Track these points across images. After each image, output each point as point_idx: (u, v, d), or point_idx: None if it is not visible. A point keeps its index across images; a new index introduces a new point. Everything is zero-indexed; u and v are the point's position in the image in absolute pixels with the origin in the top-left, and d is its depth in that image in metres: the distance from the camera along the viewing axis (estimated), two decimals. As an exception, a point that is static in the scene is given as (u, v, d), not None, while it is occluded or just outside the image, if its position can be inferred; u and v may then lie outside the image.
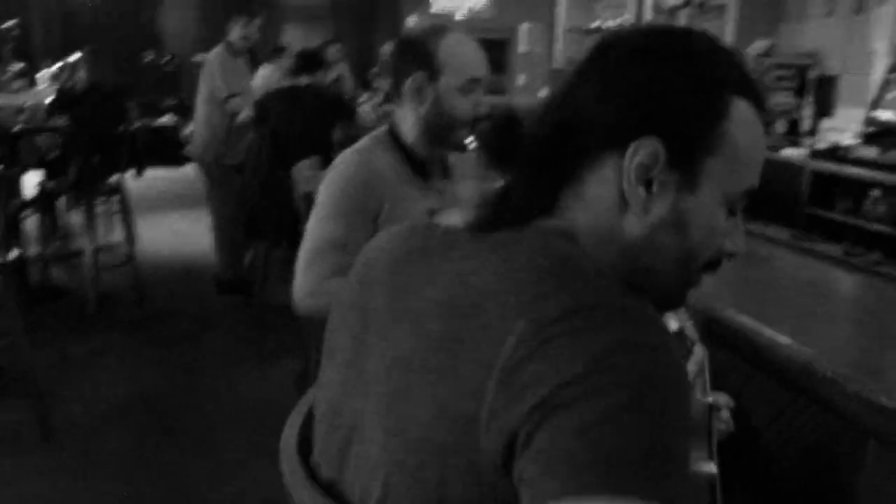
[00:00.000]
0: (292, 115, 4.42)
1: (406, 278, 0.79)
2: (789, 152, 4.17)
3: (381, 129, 1.86)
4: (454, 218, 0.83)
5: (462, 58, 1.72)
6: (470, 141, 1.77)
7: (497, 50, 8.41)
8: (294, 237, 4.68)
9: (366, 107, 5.35)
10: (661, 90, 0.72)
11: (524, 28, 8.04)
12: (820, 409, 1.32)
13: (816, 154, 3.99)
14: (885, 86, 3.71)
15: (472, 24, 8.71)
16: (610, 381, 0.59)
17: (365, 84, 6.12)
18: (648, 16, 5.91)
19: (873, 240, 3.36)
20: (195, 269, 4.93)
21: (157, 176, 6.80)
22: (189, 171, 6.26)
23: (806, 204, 3.94)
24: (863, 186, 3.72)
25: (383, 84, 6.16)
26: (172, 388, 3.31)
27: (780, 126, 4.61)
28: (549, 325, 0.63)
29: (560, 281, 0.68)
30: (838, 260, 1.85)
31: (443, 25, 1.83)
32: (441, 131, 1.76)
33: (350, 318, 0.84)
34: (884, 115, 3.67)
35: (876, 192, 3.66)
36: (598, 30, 6.74)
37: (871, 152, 3.63)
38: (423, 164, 1.81)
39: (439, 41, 1.71)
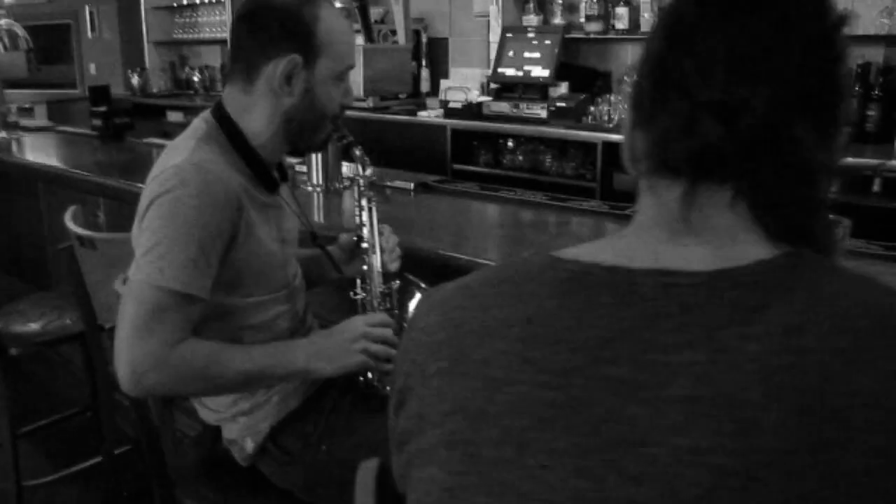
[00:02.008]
0: None
1: (656, 357, 0.57)
2: (425, 114, 4.36)
3: (207, 125, 1.37)
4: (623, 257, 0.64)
5: (343, 39, 1.39)
6: (339, 137, 1.47)
7: (58, 37, 7.42)
8: None
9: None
10: None
11: (87, 11, 7.15)
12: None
13: (452, 113, 4.22)
14: (503, 46, 4.07)
15: (26, 9, 7.48)
16: None
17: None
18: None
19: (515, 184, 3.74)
20: None
21: None
22: None
23: (451, 161, 4.18)
24: (498, 138, 4.06)
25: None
26: None
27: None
28: None
29: None
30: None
31: None
32: (306, 129, 1.41)
33: (557, 428, 0.58)
34: (507, 71, 4.03)
35: (511, 143, 4.03)
36: (189, 6, 6.25)
37: (502, 107, 3.97)
38: (268, 170, 1.41)
39: (317, 14, 1.33)
